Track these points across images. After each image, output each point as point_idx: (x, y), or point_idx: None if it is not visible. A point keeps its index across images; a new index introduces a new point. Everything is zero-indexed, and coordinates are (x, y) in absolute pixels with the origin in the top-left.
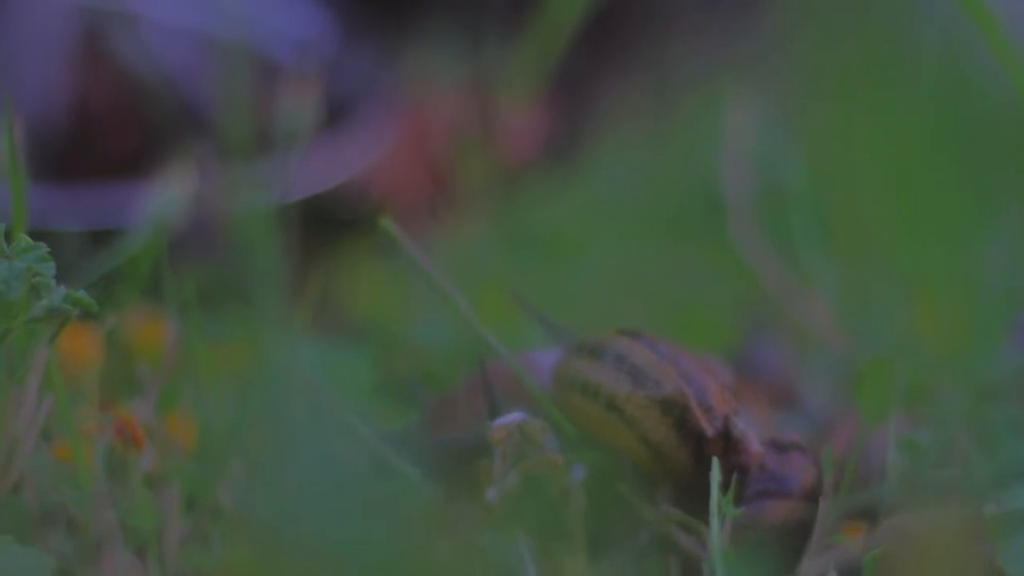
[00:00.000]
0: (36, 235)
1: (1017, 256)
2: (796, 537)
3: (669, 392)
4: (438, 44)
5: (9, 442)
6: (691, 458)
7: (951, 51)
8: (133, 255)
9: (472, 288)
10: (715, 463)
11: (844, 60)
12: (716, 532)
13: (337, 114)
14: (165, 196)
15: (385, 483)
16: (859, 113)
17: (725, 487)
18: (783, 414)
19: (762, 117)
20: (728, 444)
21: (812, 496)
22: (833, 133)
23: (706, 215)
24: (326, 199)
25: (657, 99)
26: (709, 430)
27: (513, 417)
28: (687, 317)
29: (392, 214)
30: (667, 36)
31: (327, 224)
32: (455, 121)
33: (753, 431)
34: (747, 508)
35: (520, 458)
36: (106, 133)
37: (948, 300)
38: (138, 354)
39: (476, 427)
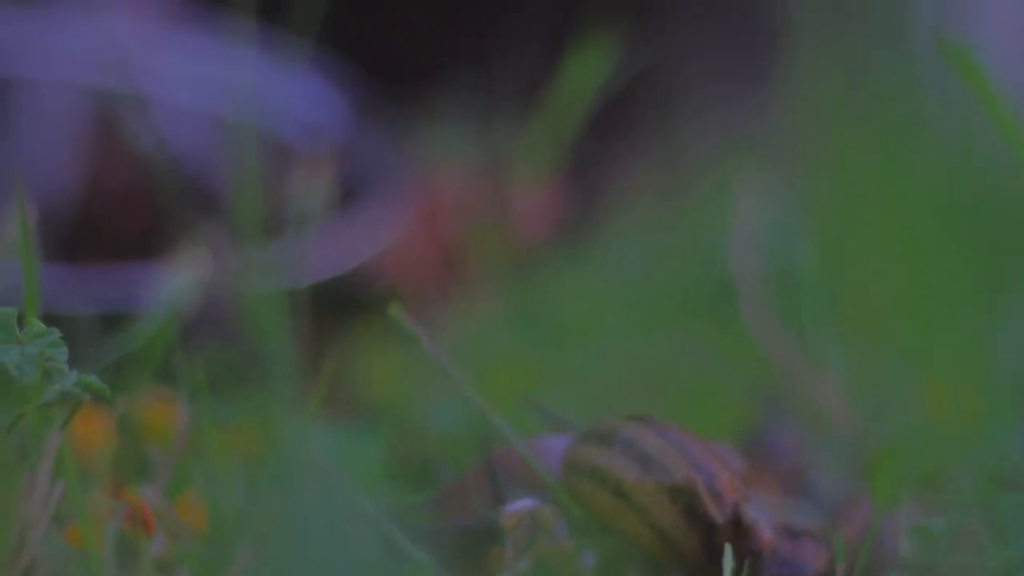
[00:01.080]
0: (48, 318)
1: None
2: None
3: (678, 479)
4: (450, 126)
5: (21, 526)
6: (701, 545)
7: (959, 133)
8: (145, 338)
9: (484, 370)
10: (728, 550)
11: (853, 142)
12: None
13: (350, 196)
14: (177, 279)
15: (396, 568)
16: (868, 195)
17: (737, 574)
18: (795, 500)
19: (772, 198)
20: (738, 531)
21: None
22: (842, 215)
23: (717, 297)
24: (339, 281)
25: (668, 180)
26: (718, 517)
27: (524, 503)
28: (698, 400)
29: (404, 296)
30: (677, 117)
31: (339, 306)
32: (467, 202)
33: (764, 518)
34: None
35: (531, 544)
36: (117, 215)
37: (960, 383)
38: (149, 437)
39: (487, 513)
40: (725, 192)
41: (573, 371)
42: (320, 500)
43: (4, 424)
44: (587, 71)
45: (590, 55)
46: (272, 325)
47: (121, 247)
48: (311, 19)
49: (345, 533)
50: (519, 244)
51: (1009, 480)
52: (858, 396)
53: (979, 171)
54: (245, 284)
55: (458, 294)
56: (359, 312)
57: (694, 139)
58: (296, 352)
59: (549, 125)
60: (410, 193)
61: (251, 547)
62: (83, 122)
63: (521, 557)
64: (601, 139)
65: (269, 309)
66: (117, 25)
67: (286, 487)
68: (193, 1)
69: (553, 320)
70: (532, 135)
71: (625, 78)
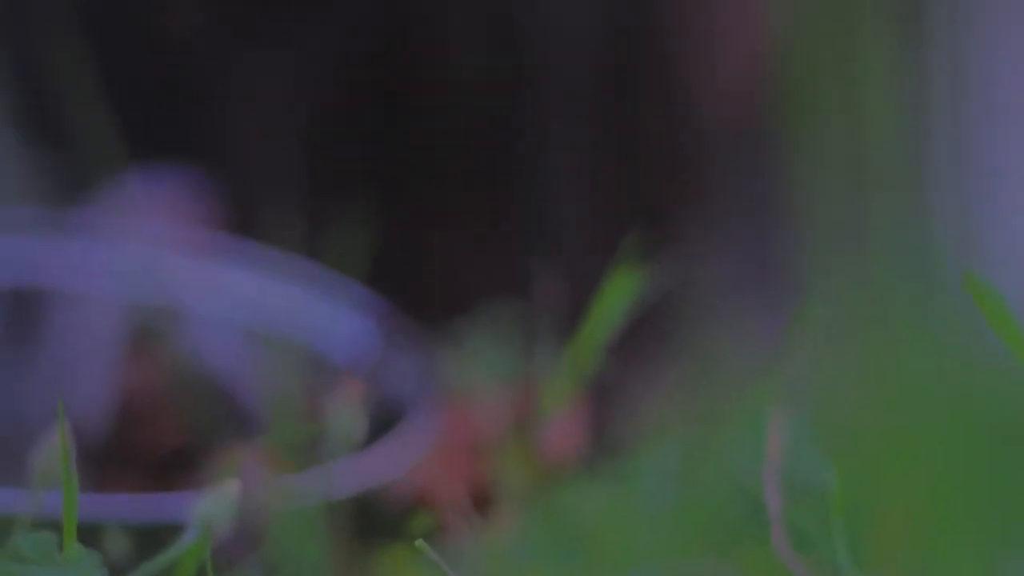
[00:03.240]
0: (82, 533)
1: None
2: None
3: None
4: (482, 347)
5: None
6: None
7: (978, 358)
8: (178, 558)
9: None
10: None
11: (874, 366)
12: None
13: (381, 418)
14: (210, 498)
15: None
16: (891, 418)
17: None
18: None
19: (799, 421)
20: None
21: None
22: (866, 438)
23: (746, 521)
24: (370, 499)
25: (696, 401)
26: None
27: None
28: None
29: (431, 517)
30: (705, 338)
31: (368, 526)
32: (497, 422)
33: None
34: None
35: None
36: (153, 431)
37: None
38: None
39: None
40: (754, 415)
41: None
42: None
43: None
44: (618, 296)
45: (621, 281)
46: (303, 546)
47: (156, 465)
48: (349, 248)
49: None
50: (548, 464)
51: None
52: None
53: (999, 398)
54: (278, 502)
55: (487, 513)
56: (388, 533)
57: (722, 361)
58: (327, 571)
59: (579, 349)
60: (441, 412)
61: None
62: (119, 338)
63: None
64: (629, 361)
65: (301, 527)
66: (156, 243)
67: None
68: (230, 229)
69: (581, 541)
70: (562, 359)
71: (653, 300)
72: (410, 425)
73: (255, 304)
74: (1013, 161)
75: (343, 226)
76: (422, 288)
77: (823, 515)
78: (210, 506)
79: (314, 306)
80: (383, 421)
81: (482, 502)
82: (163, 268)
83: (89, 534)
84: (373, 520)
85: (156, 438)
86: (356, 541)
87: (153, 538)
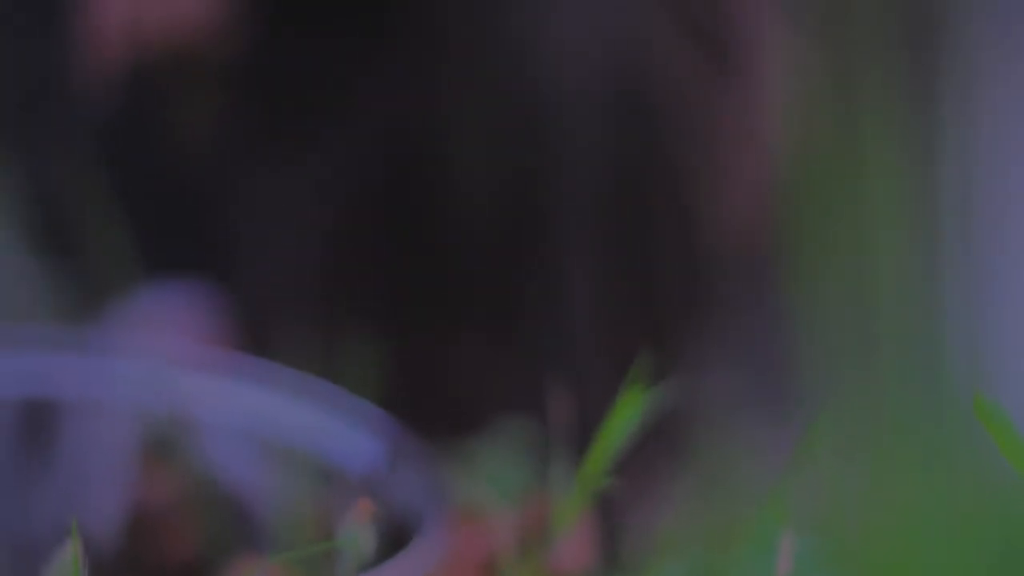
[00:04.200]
0: None
1: None
2: None
3: None
4: (493, 464)
5: None
6: None
7: (988, 479)
8: None
9: None
10: None
11: (883, 484)
12: None
13: (393, 531)
14: None
15: None
16: (899, 537)
17: None
18: None
19: (809, 539)
20: None
21: None
22: (875, 558)
23: None
24: None
25: (706, 516)
26: None
27: None
28: None
29: None
30: (718, 453)
31: None
32: (508, 539)
33: None
34: None
35: None
36: (165, 545)
37: None
38: None
39: None
40: (763, 533)
41: None
42: None
43: None
44: (629, 414)
45: (632, 399)
46: None
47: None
48: (361, 365)
49: None
50: None
51: None
52: None
53: (1007, 519)
54: None
55: None
56: None
57: (732, 478)
58: None
59: (590, 466)
60: (451, 532)
61: None
62: (131, 451)
63: None
64: (639, 478)
65: None
66: (169, 358)
67: None
68: (242, 345)
69: None
70: (574, 476)
71: (664, 418)
72: (421, 542)
73: (267, 420)
74: (1022, 280)
75: (355, 343)
76: (434, 405)
77: None
78: None
79: (326, 423)
80: (394, 538)
81: None
82: (176, 382)
83: None
84: None
85: (168, 552)
86: None
87: None
